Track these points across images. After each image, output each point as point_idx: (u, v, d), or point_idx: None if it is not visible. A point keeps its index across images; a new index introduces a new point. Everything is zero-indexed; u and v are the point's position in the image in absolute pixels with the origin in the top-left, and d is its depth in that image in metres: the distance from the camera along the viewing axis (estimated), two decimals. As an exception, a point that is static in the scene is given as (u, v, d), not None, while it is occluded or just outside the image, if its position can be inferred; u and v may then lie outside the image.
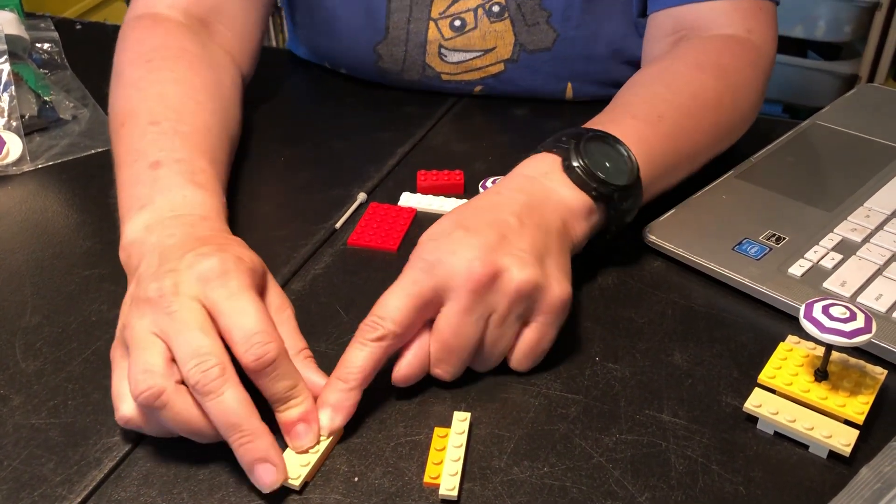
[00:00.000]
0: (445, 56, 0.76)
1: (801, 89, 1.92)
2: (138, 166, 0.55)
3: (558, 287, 0.47)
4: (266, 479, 0.41)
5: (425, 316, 0.47)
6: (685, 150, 0.61)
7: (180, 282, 0.44)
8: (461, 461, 0.43)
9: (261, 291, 0.48)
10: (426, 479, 0.42)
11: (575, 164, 0.52)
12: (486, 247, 0.46)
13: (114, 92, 0.65)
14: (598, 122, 0.58)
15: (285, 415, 0.44)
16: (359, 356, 0.45)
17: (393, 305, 0.45)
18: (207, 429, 0.42)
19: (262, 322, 0.43)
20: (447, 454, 0.43)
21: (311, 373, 0.46)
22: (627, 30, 0.75)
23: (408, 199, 0.64)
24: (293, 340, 0.48)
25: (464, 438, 0.44)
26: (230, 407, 0.41)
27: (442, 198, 0.64)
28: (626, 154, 0.54)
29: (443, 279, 0.46)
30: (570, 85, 0.78)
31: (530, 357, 0.48)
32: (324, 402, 0.45)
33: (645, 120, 0.59)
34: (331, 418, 0.44)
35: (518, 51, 0.75)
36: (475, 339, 0.46)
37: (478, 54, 0.76)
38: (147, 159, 0.55)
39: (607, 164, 0.53)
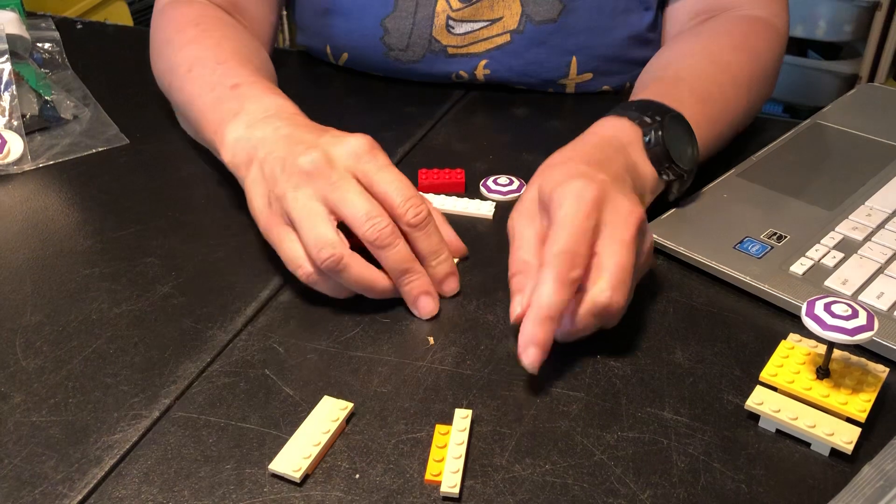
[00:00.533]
0: (453, 28, 0.76)
1: (801, 89, 1.92)
2: (217, 92, 0.61)
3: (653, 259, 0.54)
4: (427, 307, 0.52)
5: None
6: (723, 131, 0.65)
7: (333, 156, 0.51)
8: (462, 458, 0.43)
9: None
10: (427, 476, 0.42)
11: (655, 142, 0.56)
12: (632, 194, 0.51)
13: (166, 55, 0.70)
14: (660, 94, 0.60)
15: (438, 269, 0.53)
16: (558, 299, 0.46)
17: (579, 242, 0.47)
18: (382, 282, 0.51)
19: (412, 188, 0.52)
20: (448, 451, 0.43)
21: (444, 227, 0.56)
22: (632, 3, 0.76)
23: None
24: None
25: (465, 436, 0.44)
26: (404, 255, 0.51)
27: (443, 196, 0.64)
28: (692, 138, 0.58)
29: (612, 214, 0.48)
30: (574, 59, 0.78)
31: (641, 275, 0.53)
32: (530, 341, 0.46)
33: (700, 100, 0.61)
34: (538, 355, 0.46)
35: (524, 21, 0.76)
36: None
37: (485, 24, 0.76)
38: (225, 85, 0.61)
39: (679, 146, 0.57)
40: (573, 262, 0.46)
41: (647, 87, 0.63)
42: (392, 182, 0.51)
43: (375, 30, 0.78)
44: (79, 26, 0.97)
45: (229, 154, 0.57)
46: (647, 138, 0.56)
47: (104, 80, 0.84)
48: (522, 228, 0.51)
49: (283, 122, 0.55)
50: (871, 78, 1.85)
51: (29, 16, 0.93)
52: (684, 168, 0.57)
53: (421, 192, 0.64)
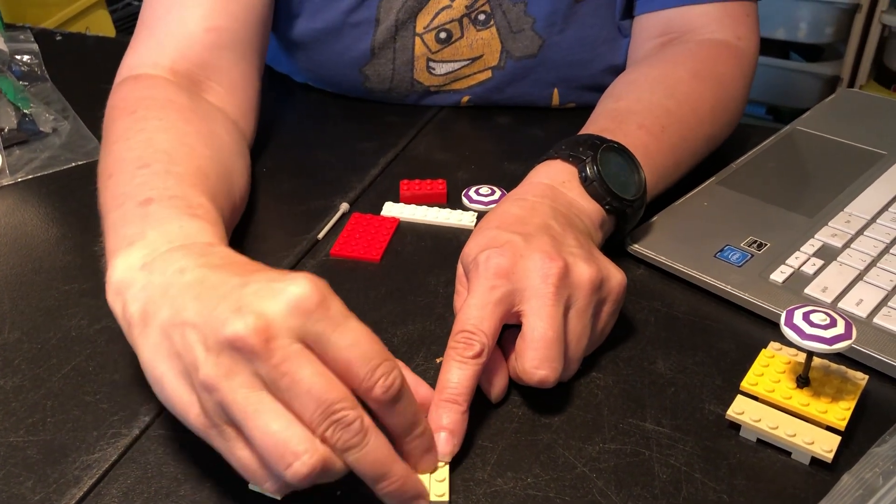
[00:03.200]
0: (434, 69, 0.76)
1: (783, 90, 1.93)
2: (126, 207, 0.48)
3: (618, 273, 0.49)
4: None
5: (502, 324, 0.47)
6: (682, 160, 0.63)
7: (270, 318, 0.36)
8: (447, 466, 0.43)
9: None
10: None
11: (591, 177, 0.54)
12: (550, 247, 0.47)
13: (101, 154, 0.57)
14: (606, 130, 0.58)
15: (414, 445, 0.41)
16: (463, 375, 0.44)
17: (479, 317, 0.45)
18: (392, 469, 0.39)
19: (378, 348, 0.38)
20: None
21: (417, 385, 0.45)
22: (612, 33, 0.75)
23: (390, 209, 0.64)
24: None
25: None
26: (378, 457, 0.38)
27: (425, 207, 0.64)
28: (636, 167, 0.56)
29: (520, 282, 0.46)
30: (556, 91, 0.78)
31: (597, 344, 0.50)
32: (438, 426, 0.43)
33: (649, 130, 0.60)
34: (450, 442, 0.43)
35: (505, 58, 0.75)
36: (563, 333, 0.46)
37: (465, 63, 0.76)
38: (136, 199, 0.48)
39: (620, 177, 0.55)
40: (468, 342, 0.44)
41: (595, 121, 0.62)
42: (352, 346, 0.38)
43: (356, 77, 0.78)
44: (58, 38, 0.96)
45: (115, 298, 0.44)
46: (583, 175, 0.54)
47: (84, 92, 0.83)
48: (458, 294, 0.52)
49: (191, 261, 0.42)
50: (853, 79, 1.87)
51: (7, 27, 0.93)
52: (629, 198, 0.54)
53: (402, 203, 0.64)
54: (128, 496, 0.42)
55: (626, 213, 0.55)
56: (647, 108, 0.62)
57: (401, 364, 0.42)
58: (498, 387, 0.47)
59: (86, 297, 0.56)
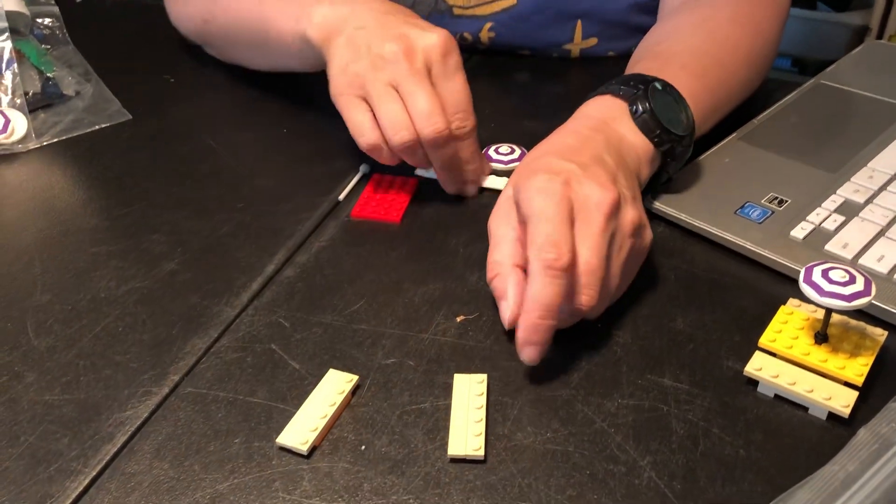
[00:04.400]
0: None
1: (810, 42, 1.89)
2: None
3: (650, 233, 0.51)
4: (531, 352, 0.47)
5: None
6: (720, 104, 0.63)
7: (414, 48, 0.56)
8: (483, 422, 0.44)
9: None
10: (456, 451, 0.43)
11: (642, 110, 0.54)
12: (605, 178, 0.48)
13: None
14: (650, 70, 0.58)
15: (469, 170, 0.60)
16: (552, 291, 0.45)
17: (559, 232, 0.46)
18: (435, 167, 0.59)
19: (467, 100, 0.58)
20: (469, 417, 0.44)
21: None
22: None
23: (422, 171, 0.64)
24: None
25: (483, 400, 0.45)
26: (450, 156, 0.59)
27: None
28: (684, 105, 0.57)
29: (581, 204, 0.47)
30: (579, 23, 0.77)
31: (621, 292, 0.51)
32: (527, 341, 0.45)
33: (692, 73, 0.60)
34: (535, 354, 0.46)
35: None
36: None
37: None
38: None
39: (669, 113, 0.55)
40: (559, 252, 0.45)
41: (637, 63, 0.62)
42: (452, 92, 0.57)
43: None
44: (78, 0, 0.96)
45: (316, 30, 0.60)
46: (634, 108, 0.55)
47: (105, 54, 0.84)
48: (497, 228, 0.51)
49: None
50: (882, 29, 1.82)
51: (28, -9, 0.93)
52: (679, 133, 0.56)
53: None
54: (159, 452, 0.44)
55: (674, 149, 0.55)
56: (687, 49, 0.63)
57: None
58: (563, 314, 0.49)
59: (113, 258, 0.57)
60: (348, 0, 0.60)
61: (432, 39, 0.56)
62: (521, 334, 0.46)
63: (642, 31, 0.78)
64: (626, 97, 0.55)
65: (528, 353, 0.46)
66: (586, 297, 0.46)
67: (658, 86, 0.56)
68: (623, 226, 0.48)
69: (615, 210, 0.47)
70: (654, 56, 0.63)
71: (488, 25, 0.78)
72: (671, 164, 0.57)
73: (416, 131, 0.55)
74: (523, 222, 0.48)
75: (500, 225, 0.51)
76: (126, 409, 0.46)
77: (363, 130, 0.57)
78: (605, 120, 0.55)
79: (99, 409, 0.46)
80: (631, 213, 0.48)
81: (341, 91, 0.58)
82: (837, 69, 0.73)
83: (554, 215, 0.46)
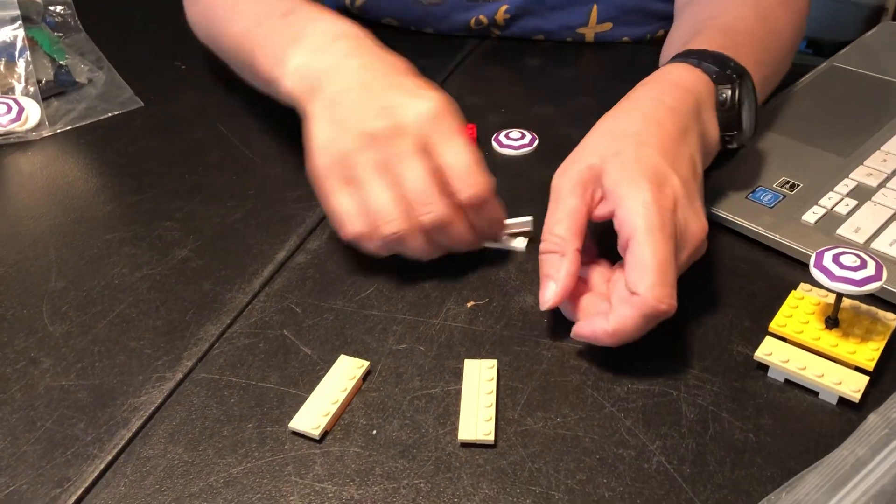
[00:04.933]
0: None
1: (825, 23, 1.87)
2: (270, 23, 0.57)
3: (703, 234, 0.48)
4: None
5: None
6: (765, 95, 0.61)
7: (403, 122, 0.49)
8: (493, 408, 0.44)
9: None
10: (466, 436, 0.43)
11: (731, 104, 0.51)
12: (701, 202, 0.48)
13: (208, 12, 0.67)
14: (723, 47, 0.54)
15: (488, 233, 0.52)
16: (641, 329, 0.44)
17: (673, 280, 0.44)
18: (427, 255, 0.51)
19: (473, 163, 0.49)
20: (480, 402, 0.44)
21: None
22: None
23: None
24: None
25: (493, 385, 0.45)
26: (455, 238, 0.51)
27: None
28: (756, 105, 0.54)
29: (679, 232, 0.46)
30: (595, 7, 0.77)
31: None
32: (582, 337, 0.46)
33: (755, 62, 0.56)
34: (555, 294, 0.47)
35: None
36: None
37: None
38: (276, 13, 0.57)
39: (748, 115, 0.53)
40: (671, 303, 0.43)
41: (698, 35, 0.57)
42: (454, 157, 0.49)
43: None
44: (89, -13, 0.96)
45: (290, 82, 0.54)
46: (723, 97, 0.51)
47: (117, 42, 0.84)
48: (567, 195, 0.47)
49: (352, 48, 0.53)
50: (899, 9, 1.80)
51: (40, -22, 0.93)
52: (747, 136, 0.53)
53: None
54: (174, 437, 0.44)
55: (736, 149, 0.53)
56: (748, 32, 0.59)
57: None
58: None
59: (127, 245, 0.58)
60: (331, 49, 0.53)
61: (422, 107, 0.49)
62: (582, 333, 0.46)
63: (658, 17, 0.77)
64: (718, 81, 0.52)
65: (579, 336, 0.46)
66: (668, 298, 0.44)
67: (746, 77, 0.52)
68: (699, 254, 0.48)
69: (703, 245, 0.47)
70: (717, 31, 0.58)
71: (504, 7, 0.78)
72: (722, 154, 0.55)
73: (409, 219, 0.49)
74: (609, 213, 0.46)
75: (570, 192, 0.47)
76: (140, 394, 0.47)
77: (350, 218, 0.50)
78: (700, 103, 0.51)
79: (114, 395, 0.47)
80: (705, 242, 0.48)
81: (325, 174, 0.50)
82: (851, 51, 0.73)
83: (670, 256, 0.44)
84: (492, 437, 0.43)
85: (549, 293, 0.47)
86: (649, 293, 0.43)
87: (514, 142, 0.65)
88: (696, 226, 0.46)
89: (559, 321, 0.50)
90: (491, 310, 0.51)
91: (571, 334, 0.47)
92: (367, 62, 0.52)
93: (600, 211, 0.47)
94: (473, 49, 0.80)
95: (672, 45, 0.61)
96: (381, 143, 0.49)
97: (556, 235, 0.47)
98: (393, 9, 0.80)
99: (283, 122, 0.71)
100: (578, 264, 0.47)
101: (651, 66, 0.59)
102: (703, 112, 0.51)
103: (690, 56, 0.53)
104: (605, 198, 0.47)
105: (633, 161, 0.46)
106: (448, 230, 0.50)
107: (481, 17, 0.79)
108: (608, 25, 0.78)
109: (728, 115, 0.52)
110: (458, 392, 0.46)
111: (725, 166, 0.59)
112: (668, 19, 0.77)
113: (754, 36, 0.59)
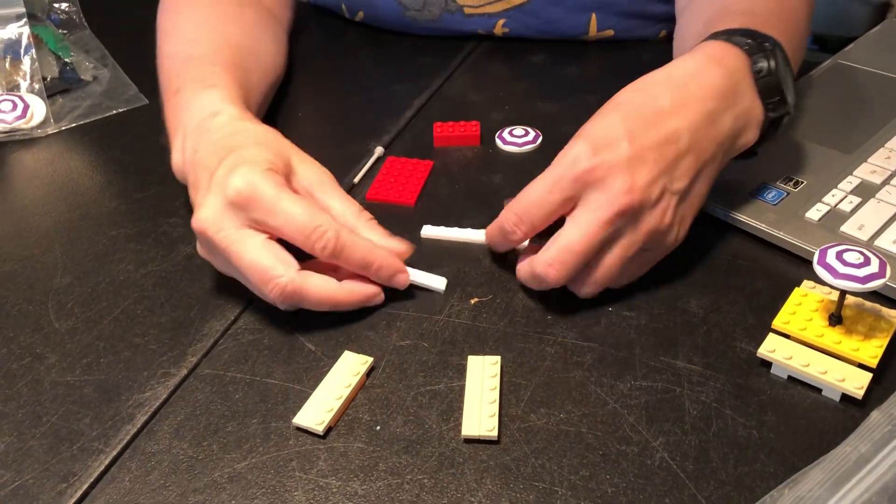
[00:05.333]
0: None
1: (831, 18, 1.86)
2: (169, 102, 0.59)
3: (675, 236, 0.49)
4: (404, 280, 0.51)
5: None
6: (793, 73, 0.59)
7: (206, 219, 0.48)
8: (496, 403, 0.44)
9: (288, 172, 0.51)
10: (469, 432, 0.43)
11: (766, 71, 0.50)
12: (647, 175, 0.46)
13: (157, 52, 0.68)
14: (755, 27, 0.53)
15: (378, 278, 0.50)
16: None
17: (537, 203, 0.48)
18: (342, 296, 0.49)
19: (308, 220, 0.47)
20: (483, 398, 0.45)
21: (373, 234, 0.51)
22: None
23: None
24: (345, 206, 0.52)
25: (496, 381, 0.46)
26: (360, 248, 0.49)
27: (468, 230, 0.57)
28: (792, 72, 0.52)
29: (598, 189, 0.46)
30: (593, 16, 0.77)
31: (628, 281, 0.51)
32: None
33: (782, 32, 0.55)
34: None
35: None
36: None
37: None
38: (171, 91, 0.59)
39: (788, 79, 0.52)
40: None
41: (718, 21, 0.55)
42: (286, 225, 0.47)
43: None
44: (94, -16, 0.97)
45: (178, 176, 0.56)
46: (759, 66, 0.50)
47: (122, 39, 0.84)
48: (544, 184, 0.49)
49: (197, 142, 0.53)
50: (904, 6, 1.79)
51: (45, -25, 0.93)
52: (791, 102, 0.51)
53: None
54: (178, 432, 0.45)
55: (781, 121, 0.52)
56: (768, 11, 0.57)
57: (368, 217, 0.52)
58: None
59: (132, 242, 0.58)
60: (186, 139, 0.54)
61: (229, 193, 0.47)
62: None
63: (658, 19, 0.77)
64: (752, 51, 0.50)
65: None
66: (553, 271, 0.47)
67: (778, 45, 0.51)
68: (638, 230, 0.47)
69: (625, 213, 0.46)
70: (738, 15, 0.56)
71: (501, 21, 0.78)
72: (769, 136, 0.53)
73: (288, 276, 0.47)
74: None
75: (549, 189, 0.48)
76: (145, 389, 0.47)
77: (261, 282, 0.48)
78: (736, 83, 0.50)
79: (119, 390, 0.47)
80: (652, 221, 0.47)
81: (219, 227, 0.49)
82: (855, 49, 0.72)
83: (545, 191, 0.47)
84: (495, 434, 0.43)
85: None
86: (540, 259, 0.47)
87: (518, 139, 0.65)
88: (617, 192, 0.46)
89: (563, 318, 0.50)
90: (494, 306, 0.51)
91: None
92: (202, 156, 0.52)
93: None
94: (476, 46, 0.80)
95: (685, 40, 0.60)
96: (204, 238, 0.49)
97: (523, 217, 0.49)
98: (392, 24, 0.80)
99: (284, 119, 0.71)
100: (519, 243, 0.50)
101: (656, 62, 0.59)
102: (741, 91, 0.50)
103: (721, 34, 0.52)
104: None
105: (607, 126, 0.47)
106: (346, 247, 0.48)
107: (479, 30, 0.79)
108: (609, 32, 0.78)
109: (768, 83, 0.50)
110: (462, 388, 0.46)
111: (729, 164, 0.59)
112: (669, 20, 0.77)
113: (776, 15, 0.58)
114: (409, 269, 0.52)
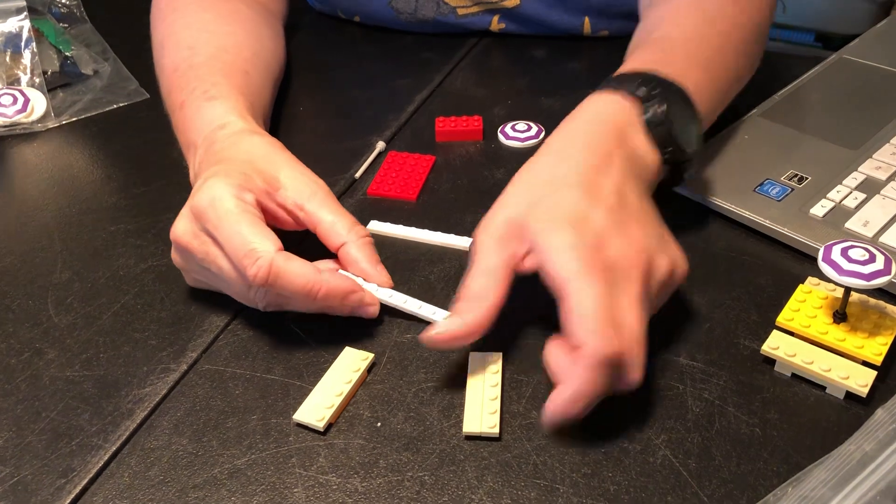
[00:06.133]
0: None
1: (833, 16, 1.85)
2: (175, 115, 0.59)
3: (682, 268, 0.46)
4: (358, 304, 0.49)
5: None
6: (722, 99, 0.58)
7: (177, 235, 0.49)
8: (498, 400, 0.44)
9: (271, 188, 0.49)
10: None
11: (658, 120, 0.48)
12: (639, 231, 0.44)
13: (155, 59, 0.67)
14: (653, 62, 0.52)
15: (340, 309, 0.48)
16: (603, 384, 0.41)
17: (609, 315, 0.41)
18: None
19: (242, 247, 0.45)
20: (485, 395, 0.44)
21: (359, 254, 0.49)
22: None
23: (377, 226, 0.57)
24: (336, 219, 0.50)
25: (498, 378, 0.45)
26: (300, 276, 0.46)
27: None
28: (695, 114, 0.51)
29: (616, 268, 0.42)
30: (587, 19, 0.76)
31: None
32: (556, 417, 0.41)
33: (698, 65, 0.54)
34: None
35: None
36: None
37: None
38: (176, 104, 0.59)
39: (682, 124, 0.50)
40: (613, 342, 0.40)
41: (634, 52, 0.56)
42: (226, 248, 0.46)
43: None
44: (95, -22, 0.96)
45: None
46: (648, 115, 0.48)
47: (123, 33, 0.84)
48: (486, 253, 0.45)
49: (197, 159, 0.54)
50: (909, 2, 1.78)
51: (45, -31, 0.93)
52: (689, 150, 0.50)
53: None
54: (178, 428, 0.44)
55: (681, 167, 0.50)
56: (688, 36, 0.57)
57: (360, 234, 0.50)
58: None
59: (132, 237, 0.58)
60: (193, 158, 0.55)
61: (197, 204, 0.47)
62: (555, 410, 0.41)
63: None
64: (640, 101, 0.49)
65: (551, 422, 0.41)
66: (636, 374, 0.41)
67: (675, 89, 0.50)
68: (655, 280, 0.44)
69: (649, 269, 0.43)
70: (650, 45, 0.56)
71: (496, 17, 0.77)
72: (669, 179, 0.52)
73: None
74: (534, 265, 0.44)
75: (490, 249, 0.45)
76: (145, 385, 0.47)
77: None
78: (622, 129, 0.48)
79: (118, 386, 0.47)
80: (663, 265, 0.44)
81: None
82: (860, 44, 0.72)
83: (606, 297, 0.40)
84: (496, 430, 0.43)
85: (441, 327, 0.43)
86: (592, 340, 0.39)
87: (521, 134, 0.65)
88: (632, 254, 0.43)
89: (565, 314, 0.49)
90: (496, 302, 0.51)
91: (545, 421, 0.41)
92: (195, 173, 0.53)
93: (528, 264, 0.44)
94: (478, 42, 0.79)
95: (623, 63, 0.57)
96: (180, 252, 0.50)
97: (470, 288, 0.44)
98: (389, 24, 0.80)
99: (286, 114, 0.71)
100: (490, 319, 0.44)
101: (658, 57, 0.58)
102: (629, 136, 0.48)
103: (610, 82, 0.51)
104: (532, 250, 0.44)
105: (551, 207, 0.44)
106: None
107: (475, 29, 0.79)
108: (604, 33, 0.78)
109: (659, 132, 0.48)
110: (463, 385, 0.46)
111: (733, 159, 0.59)
112: None
113: (695, 42, 0.56)
114: (410, 301, 0.49)
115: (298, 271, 0.46)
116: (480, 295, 0.44)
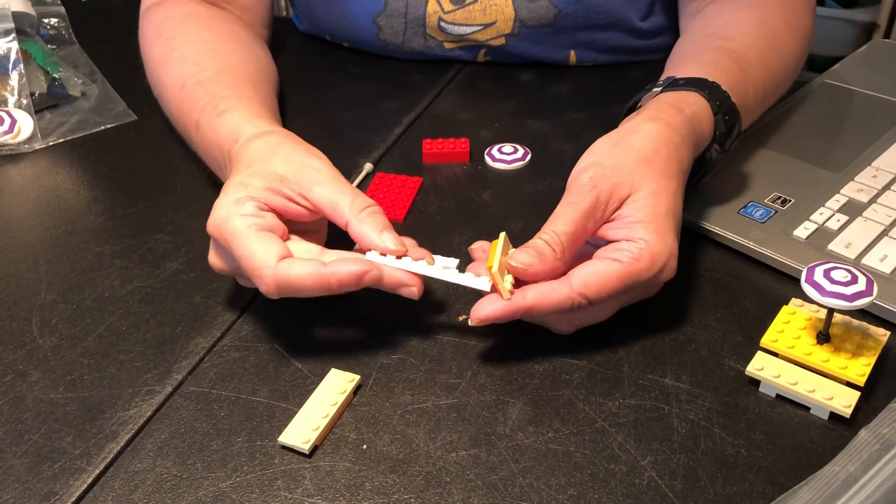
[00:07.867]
0: (445, 29, 0.76)
1: (818, 39, 1.88)
2: (194, 137, 0.60)
3: (670, 273, 0.48)
4: (374, 278, 0.47)
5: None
6: (761, 111, 0.64)
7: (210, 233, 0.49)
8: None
9: (273, 179, 0.49)
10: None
11: (734, 138, 0.55)
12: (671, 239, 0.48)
13: (151, 79, 0.68)
14: (730, 74, 0.57)
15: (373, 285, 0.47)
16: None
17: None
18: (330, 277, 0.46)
19: (251, 263, 0.46)
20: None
21: (366, 225, 0.48)
22: None
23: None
24: (337, 198, 0.48)
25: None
26: (308, 276, 0.45)
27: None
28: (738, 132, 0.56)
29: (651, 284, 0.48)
30: (572, 52, 0.77)
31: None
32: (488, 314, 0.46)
33: (759, 91, 0.60)
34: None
35: (518, 26, 0.75)
36: None
37: (478, 28, 0.75)
38: (191, 125, 0.60)
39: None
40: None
41: (705, 53, 0.60)
42: (241, 259, 0.47)
43: (369, 27, 0.78)
44: (84, 0, 0.97)
45: None
46: (711, 152, 0.55)
47: (111, 54, 0.84)
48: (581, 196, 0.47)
49: (228, 168, 0.54)
50: (890, 25, 1.81)
51: (34, -9, 0.93)
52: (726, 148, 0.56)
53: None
54: (162, 450, 0.44)
55: (716, 156, 0.55)
56: (759, 61, 0.60)
57: (371, 212, 0.49)
58: None
59: (117, 258, 0.58)
60: (228, 167, 0.55)
61: (209, 224, 0.49)
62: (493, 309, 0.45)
63: (640, 52, 0.78)
64: (724, 123, 0.54)
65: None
66: (567, 327, 0.48)
67: (736, 133, 0.55)
68: (650, 283, 0.48)
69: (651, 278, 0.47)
70: (727, 55, 0.59)
71: (483, 51, 0.78)
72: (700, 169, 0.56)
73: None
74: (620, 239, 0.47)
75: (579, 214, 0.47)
76: (130, 407, 0.47)
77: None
78: (704, 136, 0.54)
79: (103, 408, 0.47)
80: (667, 274, 0.47)
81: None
82: (841, 68, 0.73)
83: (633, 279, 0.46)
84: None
85: (490, 307, 0.46)
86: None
87: (507, 156, 0.65)
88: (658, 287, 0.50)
89: (551, 336, 0.49)
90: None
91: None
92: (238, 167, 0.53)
93: (617, 234, 0.47)
94: (465, 65, 0.80)
95: (684, 61, 0.60)
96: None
97: (553, 233, 0.46)
98: (377, 52, 0.81)
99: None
100: (550, 290, 0.45)
101: (643, 82, 0.59)
102: (699, 146, 0.53)
103: (703, 89, 0.54)
104: (618, 221, 0.47)
105: (660, 210, 0.47)
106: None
107: (466, 64, 0.80)
108: (590, 65, 0.79)
109: (708, 156, 0.55)
110: (451, 406, 0.45)
111: (717, 181, 0.60)
112: (648, 52, 0.78)
113: (765, 69, 0.61)
114: (448, 271, 0.48)
115: (304, 272, 0.45)
116: (557, 242, 0.47)
